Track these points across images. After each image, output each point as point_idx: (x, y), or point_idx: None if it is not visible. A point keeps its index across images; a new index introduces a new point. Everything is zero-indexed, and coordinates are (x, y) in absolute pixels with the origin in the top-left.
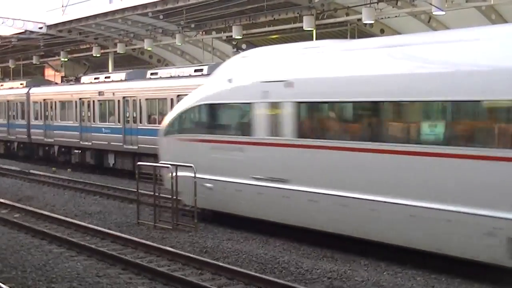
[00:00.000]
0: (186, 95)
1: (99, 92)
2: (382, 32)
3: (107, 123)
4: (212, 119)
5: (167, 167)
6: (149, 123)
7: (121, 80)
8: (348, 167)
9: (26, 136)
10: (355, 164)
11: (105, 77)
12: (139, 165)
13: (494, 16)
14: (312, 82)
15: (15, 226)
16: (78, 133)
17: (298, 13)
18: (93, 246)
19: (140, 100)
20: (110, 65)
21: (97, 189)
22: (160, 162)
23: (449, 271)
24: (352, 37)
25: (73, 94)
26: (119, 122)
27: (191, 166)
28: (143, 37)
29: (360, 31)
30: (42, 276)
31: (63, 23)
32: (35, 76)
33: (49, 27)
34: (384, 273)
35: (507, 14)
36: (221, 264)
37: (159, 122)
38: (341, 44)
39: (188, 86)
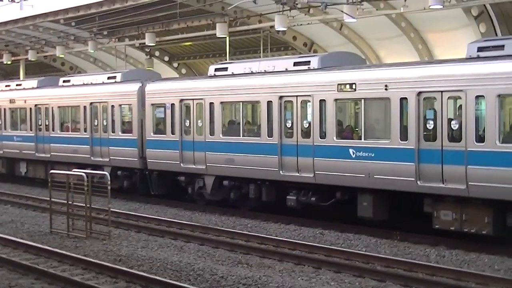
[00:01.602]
0: (100, 102)
1: (10, 100)
2: (295, 40)
3: (18, 131)
4: None
5: (81, 174)
6: (62, 131)
7: (33, 88)
8: None
9: None
10: None
11: (17, 85)
12: (51, 173)
13: (404, 23)
14: None
15: None
16: None
17: (211, 21)
18: (4, 256)
19: (52, 108)
20: (21, 72)
21: (9, 198)
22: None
23: (363, 276)
24: (265, 44)
25: None
26: (31, 130)
27: (104, 174)
28: (55, 44)
29: (273, 38)
30: None
31: None
32: None
33: None
34: (299, 278)
35: (416, 21)
36: (135, 272)
37: (73, 130)
38: None
39: (102, 93)
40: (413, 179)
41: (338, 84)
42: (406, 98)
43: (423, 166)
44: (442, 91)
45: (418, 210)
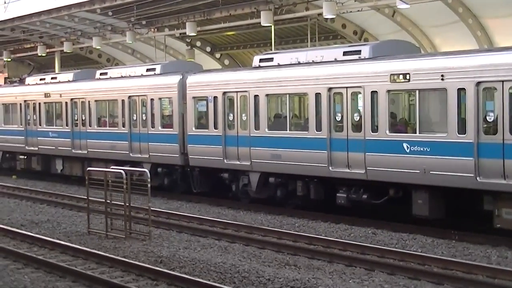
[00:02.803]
0: (139, 96)
1: (45, 94)
2: (344, 28)
3: (54, 127)
4: None
5: (119, 172)
6: (99, 126)
7: (69, 81)
8: None
9: None
10: None
11: (51, 78)
12: (89, 170)
13: (461, 9)
14: None
15: None
16: (23, 137)
17: (255, 8)
18: (41, 257)
19: (89, 101)
20: (56, 65)
21: (45, 197)
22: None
23: (418, 278)
24: (313, 33)
25: (17, 96)
26: (67, 125)
27: (144, 171)
28: (91, 35)
29: (321, 27)
30: None
31: (5, 21)
32: None
33: None
34: (350, 280)
35: (474, 7)
36: (177, 274)
37: (110, 125)
38: None
39: (141, 86)
40: (472, 175)
41: (391, 75)
42: (464, 89)
43: (483, 161)
44: (503, 81)
45: (477, 208)
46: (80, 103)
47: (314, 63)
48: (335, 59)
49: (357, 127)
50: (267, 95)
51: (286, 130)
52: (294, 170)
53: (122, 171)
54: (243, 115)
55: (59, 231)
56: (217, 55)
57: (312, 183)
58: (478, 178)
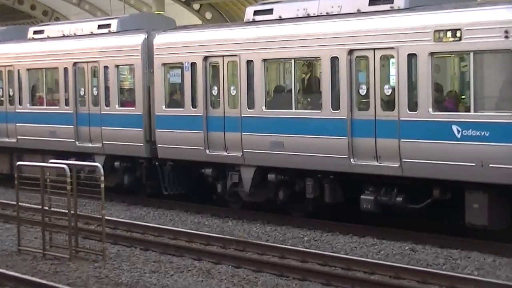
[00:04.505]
0: (87, 62)
1: None
2: None
3: None
4: None
5: (62, 167)
6: (33, 105)
7: None
8: None
9: None
10: None
11: None
12: (19, 165)
13: None
14: None
15: None
16: None
17: None
18: None
19: (18, 71)
20: None
21: None
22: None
23: None
24: None
25: None
26: None
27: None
28: None
29: None
30: None
31: None
32: None
33: None
34: None
35: None
36: None
37: (48, 103)
38: None
39: (90, 49)
40: None
41: (435, 31)
42: None
43: None
44: None
45: None
46: (6, 73)
47: (329, 16)
48: (358, 10)
49: (389, 103)
50: (264, 60)
51: (291, 109)
52: (302, 164)
53: (65, 166)
54: (232, 88)
55: None
56: (196, 6)
57: (327, 181)
58: None
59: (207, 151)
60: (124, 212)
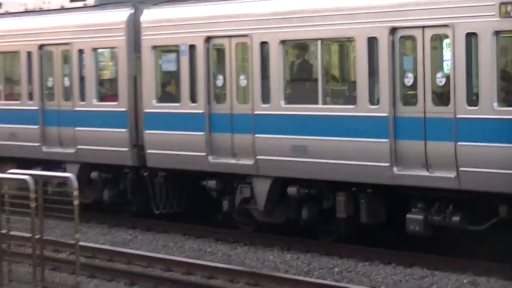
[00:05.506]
0: (57, 45)
1: None
2: None
3: None
4: None
5: (23, 178)
6: None
7: None
8: None
9: None
10: None
11: None
12: None
13: None
14: None
15: None
16: None
17: None
18: None
19: None
20: None
21: None
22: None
23: None
24: None
25: None
26: None
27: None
28: None
29: None
30: None
31: None
32: None
33: None
34: None
35: None
36: None
37: (6, 98)
38: None
39: (61, 28)
40: None
41: (501, 4)
42: None
43: None
44: None
45: None
46: None
47: None
48: None
49: (442, 96)
50: (283, 41)
51: (317, 104)
52: (331, 174)
53: (27, 177)
54: (242, 77)
55: None
56: None
57: (363, 196)
58: None
59: (209, 158)
60: (104, 236)
